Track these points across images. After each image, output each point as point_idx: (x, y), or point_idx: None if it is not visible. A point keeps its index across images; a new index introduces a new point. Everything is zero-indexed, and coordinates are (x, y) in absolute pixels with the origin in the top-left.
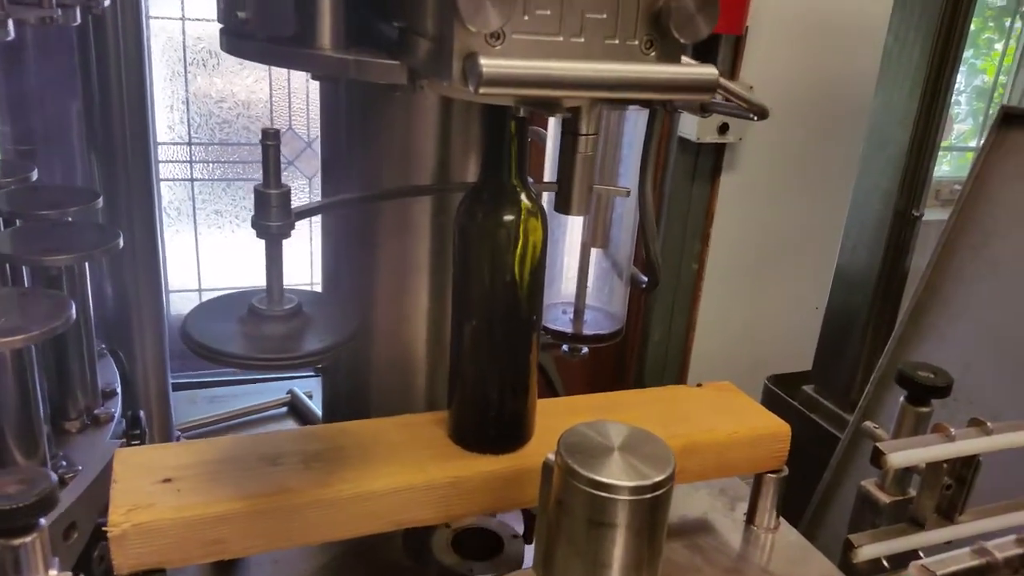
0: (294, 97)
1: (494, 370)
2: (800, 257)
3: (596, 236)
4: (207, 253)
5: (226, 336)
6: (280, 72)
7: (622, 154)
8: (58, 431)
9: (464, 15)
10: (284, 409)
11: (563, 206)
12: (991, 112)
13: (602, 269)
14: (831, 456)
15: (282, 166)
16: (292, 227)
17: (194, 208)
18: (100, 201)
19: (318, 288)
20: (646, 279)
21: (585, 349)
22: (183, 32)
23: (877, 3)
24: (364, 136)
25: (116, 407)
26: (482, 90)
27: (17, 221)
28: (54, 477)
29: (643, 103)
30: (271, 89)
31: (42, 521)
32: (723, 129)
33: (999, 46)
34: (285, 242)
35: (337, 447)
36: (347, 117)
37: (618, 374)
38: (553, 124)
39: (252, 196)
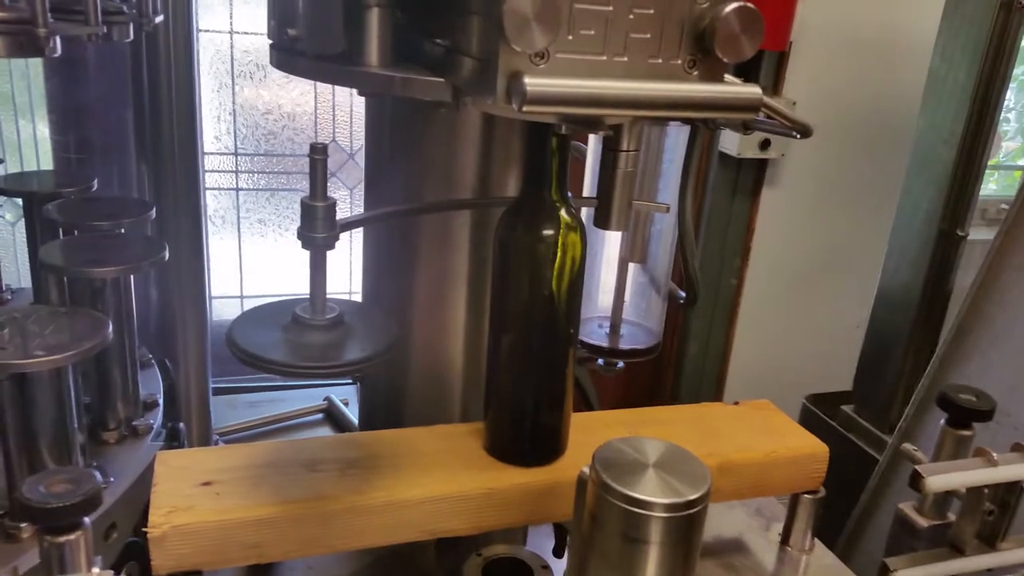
0: (338, 110)
1: (530, 383)
2: (841, 275)
3: (634, 251)
4: (250, 261)
5: (270, 344)
6: (325, 86)
7: (662, 169)
8: (96, 441)
9: (510, 35)
10: (320, 416)
11: (602, 221)
12: None
13: (639, 284)
14: (869, 478)
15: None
16: (336, 239)
17: (238, 217)
18: (153, 213)
19: (356, 297)
20: (684, 295)
21: (621, 364)
22: (231, 45)
23: (923, 20)
24: (407, 150)
25: (156, 418)
26: (526, 108)
27: (74, 231)
28: (99, 478)
29: (685, 121)
30: (316, 102)
31: (86, 520)
32: (764, 145)
33: None
34: (344, 252)
35: (373, 455)
36: (391, 132)
37: (653, 389)
38: (593, 140)
39: (295, 206)
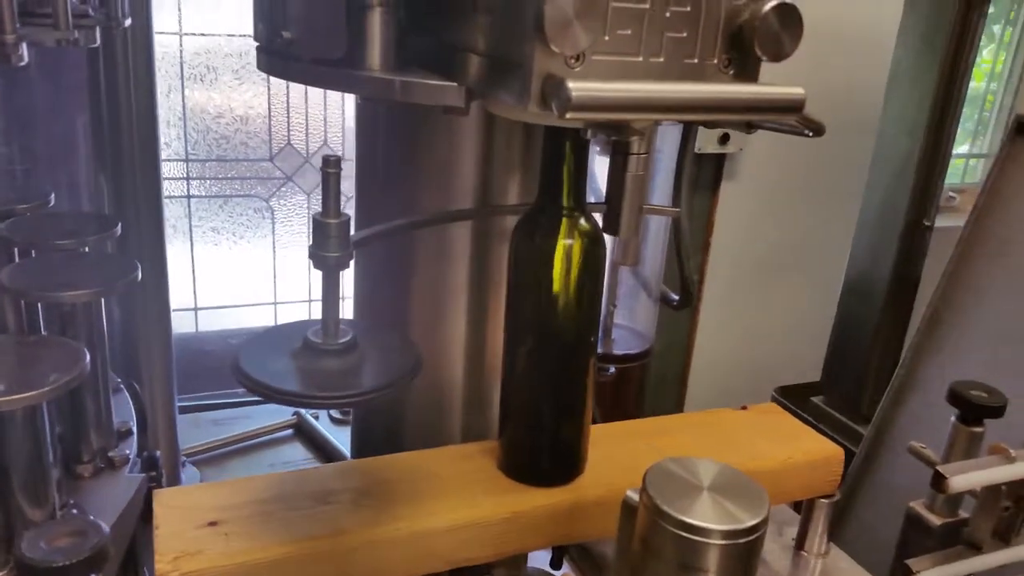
0: (293, 112)
1: (550, 398)
2: (806, 268)
3: (627, 254)
4: (204, 271)
5: (281, 372)
6: (279, 87)
7: (652, 169)
8: (71, 476)
9: (550, 35)
10: (290, 431)
11: (611, 227)
12: (983, 118)
13: (630, 287)
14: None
15: (281, 182)
16: (351, 257)
17: (191, 225)
18: (119, 229)
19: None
20: (677, 297)
21: (612, 369)
22: (180, 47)
23: (887, 11)
24: (403, 158)
25: (131, 448)
26: (569, 115)
27: (33, 251)
28: (106, 529)
29: (726, 124)
30: (270, 104)
31: None
32: (724, 139)
33: (987, 52)
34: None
35: (385, 482)
36: (385, 139)
37: (614, 387)
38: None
39: (250, 213)
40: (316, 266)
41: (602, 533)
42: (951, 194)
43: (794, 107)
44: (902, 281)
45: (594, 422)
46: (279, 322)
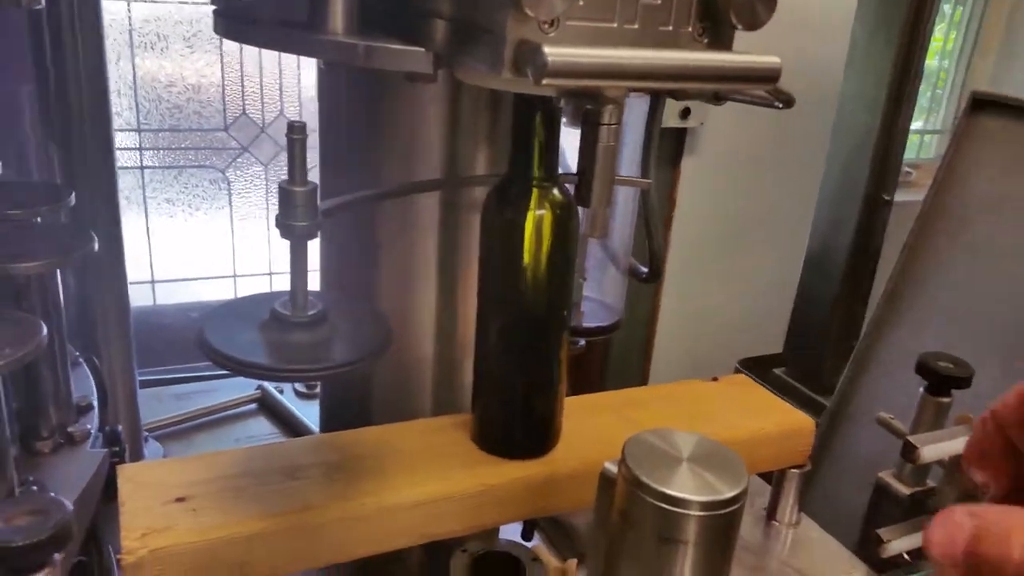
0: (248, 81)
1: (523, 370)
2: (768, 241)
3: (596, 226)
4: (159, 243)
5: (249, 345)
6: (232, 55)
7: (623, 142)
8: (30, 452)
9: (525, 0)
10: (254, 406)
11: (583, 199)
12: (936, 95)
13: (598, 259)
14: None
15: (236, 152)
16: (319, 227)
17: (144, 197)
18: (72, 199)
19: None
20: (646, 270)
21: (582, 342)
22: (129, 13)
23: None
24: (367, 127)
25: (92, 422)
26: (545, 81)
27: None
28: (69, 506)
29: (662, 92)
30: (223, 73)
31: (57, 557)
32: (685, 114)
33: (938, 31)
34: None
35: (356, 457)
36: (348, 108)
37: (581, 359)
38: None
39: (205, 184)
40: (283, 235)
41: (575, 505)
42: (907, 169)
43: (770, 77)
44: (862, 255)
45: None
46: (239, 295)
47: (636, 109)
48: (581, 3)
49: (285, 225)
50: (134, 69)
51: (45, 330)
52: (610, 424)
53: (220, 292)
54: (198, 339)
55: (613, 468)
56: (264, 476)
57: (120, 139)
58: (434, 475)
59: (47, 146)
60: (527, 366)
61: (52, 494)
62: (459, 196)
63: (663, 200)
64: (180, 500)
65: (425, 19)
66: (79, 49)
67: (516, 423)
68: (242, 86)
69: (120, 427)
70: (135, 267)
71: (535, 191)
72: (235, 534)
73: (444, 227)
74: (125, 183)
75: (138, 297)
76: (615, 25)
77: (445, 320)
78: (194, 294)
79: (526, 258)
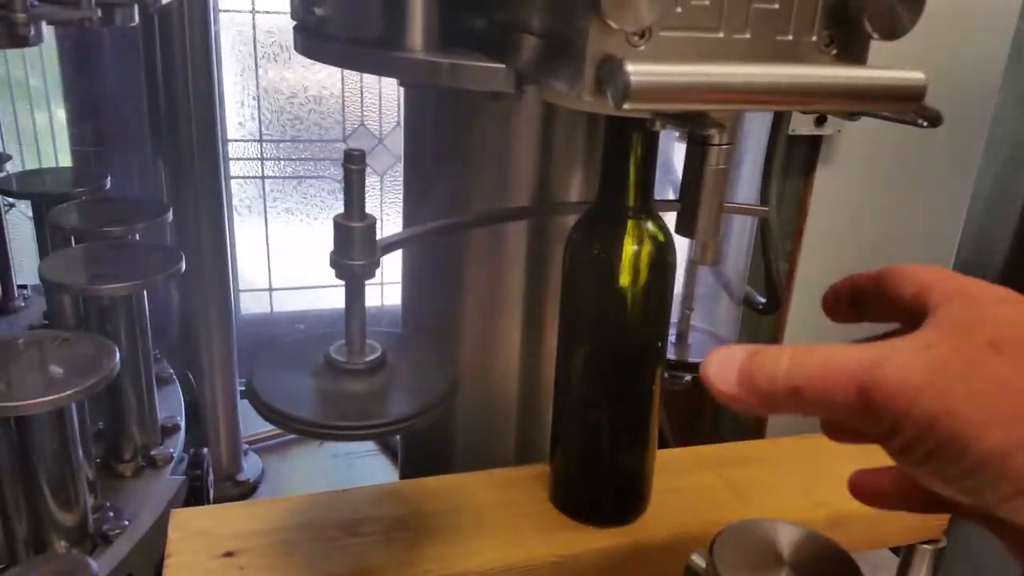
0: (367, 93)
1: (609, 423)
2: (906, 257)
3: (707, 253)
4: (278, 251)
5: (298, 395)
6: None
7: (738, 158)
8: (111, 474)
9: (607, 8)
10: None
11: (686, 229)
12: None
13: (709, 287)
14: None
15: None
16: (377, 265)
17: (265, 206)
18: (170, 215)
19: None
20: (764, 300)
21: (688, 377)
22: (253, 25)
23: None
24: (453, 150)
25: (176, 446)
26: (627, 105)
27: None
28: (95, 567)
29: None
30: (343, 84)
31: None
32: (820, 121)
33: None
34: None
35: (421, 513)
36: (434, 128)
37: (690, 395)
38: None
39: (323, 194)
40: (338, 275)
41: None
42: None
43: (913, 95)
44: (1015, 280)
45: (664, 442)
46: None
47: (759, 117)
48: (679, 10)
49: (340, 264)
50: (257, 80)
51: (118, 356)
52: (709, 487)
53: (334, 300)
54: (247, 385)
55: (700, 562)
56: (321, 530)
57: (242, 149)
58: (503, 541)
59: (155, 161)
60: (614, 419)
61: (126, 521)
62: (550, 225)
63: (791, 215)
64: (228, 555)
65: (509, 33)
66: (188, 65)
67: (599, 483)
68: (361, 97)
69: (205, 450)
70: (255, 274)
71: (628, 223)
72: None
73: (532, 259)
74: (247, 193)
75: (256, 305)
76: (721, 35)
77: (531, 357)
78: (310, 302)
79: (615, 298)
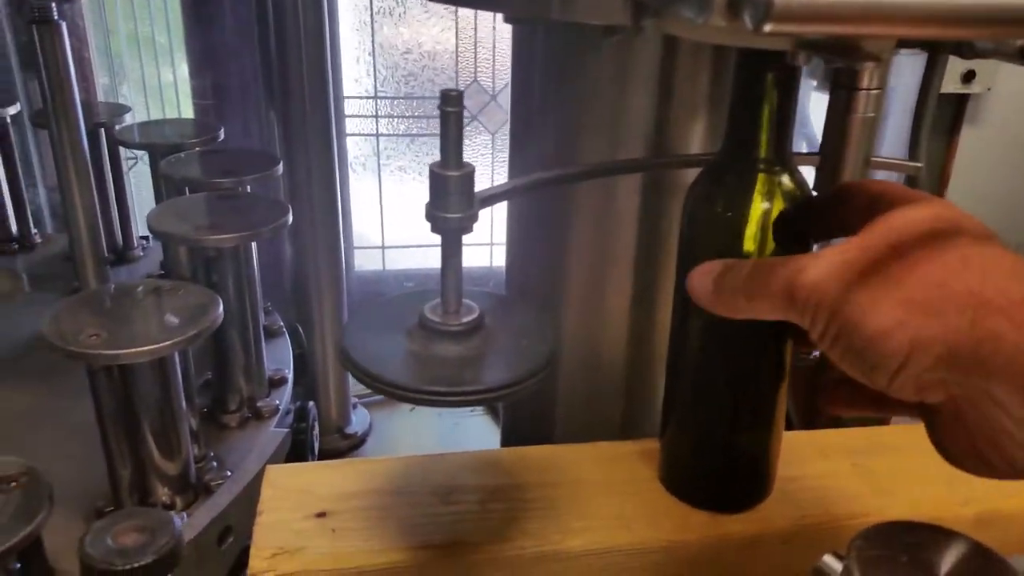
0: (481, 47)
1: (731, 401)
2: None
3: None
4: (390, 209)
5: (389, 355)
6: (467, 21)
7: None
8: (216, 425)
9: None
10: None
11: (827, 184)
12: None
13: None
14: None
15: (465, 120)
16: (475, 219)
17: (379, 164)
18: (280, 168)
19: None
20: None
21: (815, 352)
22: None
23: None
24: (562, 95)
25: (283, 398)
26: (769, 28)
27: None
28: (179, 524)
29: (999, 49)
30: (457, 39)
31: None
32: (968, 77)
33: None
34: None
35: (519, 485)
36: (542, 72)
37: (813, 377)
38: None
39: (436, 152)
40: (433, 229)
41: (786, 574)
42: None
43: None
44: None
45: (787, 424)
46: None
47: (905, 70)
48: None
49: (435, 216)
50: (373, 36)
51: (222, 307)
52: (844, 476)
53: None
54: (339, 345)
55: (836, 566)
56: (415, 496)
57: (357, 106)
58: (606, 521)
59: (267, 115)
60: (735, 395)
61: (228, 472)
62: (665, 179)
63: (933, 178)
64: (320, 515)
65: None
66: (300, 19)
67: (716, 466)
68: (475, 52)
69: (312, 404)
70: (369, 232)
71: (759, 177)
72: (372, 565)
73: (644, 215)
74: (361, 150)
75: (369, 262)
76: None
77: (640, 321)
78: (421, 260)
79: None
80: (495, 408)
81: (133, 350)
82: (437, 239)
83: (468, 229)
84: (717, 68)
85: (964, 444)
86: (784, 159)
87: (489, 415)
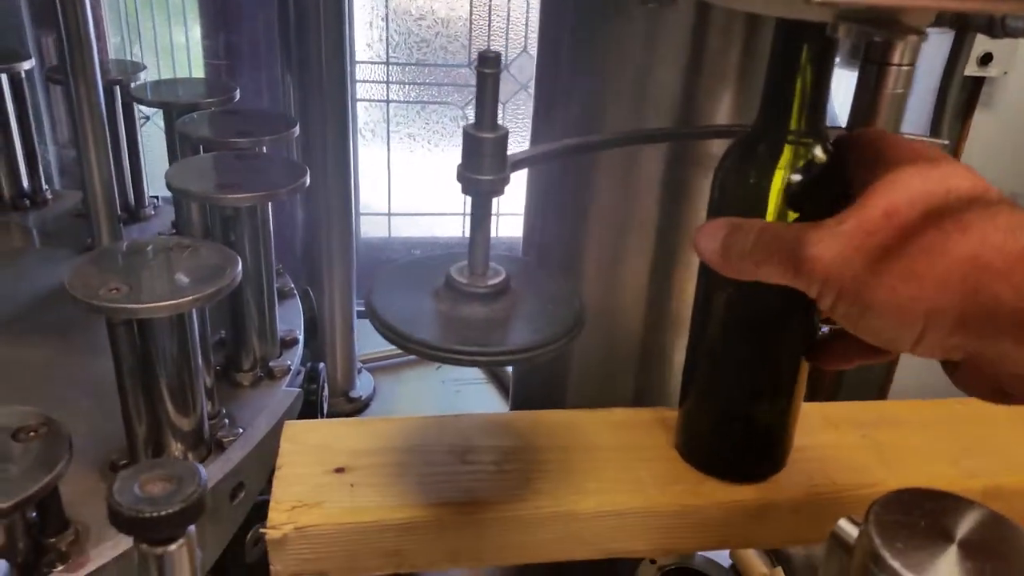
0: (495, 16)
1: (753, 373)
2: None
3: None
4: (398, 177)
5: (417, 315)
6: None
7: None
8: (229, 384)
9: None
10: None
11: None
12: None
13: None
14: None
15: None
16: (506, 182)
17: (388, 131)
18: (296, 130)
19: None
20: None
21: (826, 328)
22: None
23: None
24: (590, 62)
25: (294, 359)
26: None
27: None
28: (204, 474)
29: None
30: (471, 6)
31: (191, 529)
32: (985, 60)
33: None
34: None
35: (534, 447)
36: (571, 36)
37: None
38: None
39: (445, 120)
40: (465, 190)
41: (793, 541)
42: None
43: None
44: None
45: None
46: (466, 233)
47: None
48: None
49: (468, 178)
50: (387, 0)
51: (240, 265)
52: (852, 447)
53: (450, 229)
54: (366, 300)
55: (852, 531)
56: (432, 455)
57: (369, 71)
58: (621, 484)
59: (283, 77)
60: (759, 368)
61: (240, 429)
62: (690, 150)
63: None
64: (339, 471)
65: None
66: None
67: (736, 435)
68: (489, 20)
69: (323, 365)
70: (375, 199)
71: (789, 148)
72: (391, 520)
73: (667, 185)
74: (371, 116)
75: (374, 229)
76: None
77: (658, 292)
78: (426, 229)
79: None
80: (499, 377)
81: (154, 304)
82: (443, 208)
83: (499, 191)
84: (747, 40)
85: (986, 386)
86: (819, 132)
87: (492, 383)
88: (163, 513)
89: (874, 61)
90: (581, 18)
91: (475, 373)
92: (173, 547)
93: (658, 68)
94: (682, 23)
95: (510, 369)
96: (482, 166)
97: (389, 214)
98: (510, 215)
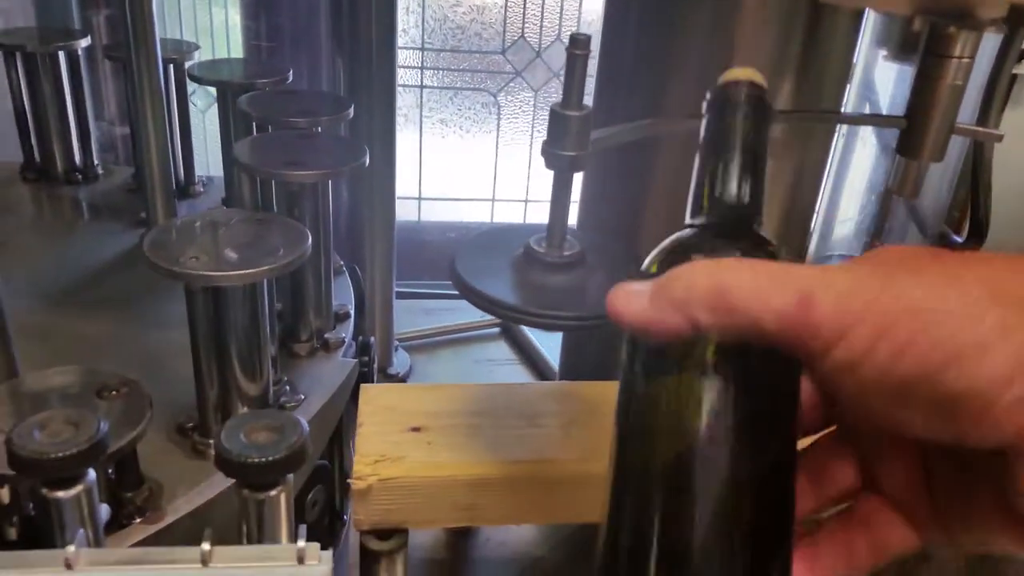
0: (531, 2)
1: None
2: None
3: (907, 183)
4: (430, 162)
5: (498, 282)
6: None
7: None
8: (288, 354)
9: None
10: (497, 330)
11: (911, 149)
12: None
13: (900, 223)
14: None
15: (510, 77)
16: (588, 160)
17: (421, 116)
18: (351, 111)
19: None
20: (960, 238)
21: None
22: None
23: None
24: (656, 52)
25: (348, 331)
26: None
27: (268, 126)
28: (305, 427)
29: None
30: None
31: (290, 476)
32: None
33: None
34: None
35: (598, 412)
36: (637, 25)
37: None
38: None
39: (477, 107)
40: (548, 165)
41: None
42: None
43: None
44: None
45: None
46: (495, 219)
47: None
48: None
49: (552, 154)
50: None
51: (310, 239)
52: None
53: (479, 214)
54: (451, 266)
55: None
56: (501, 418)
57: (404, 57)
58: None
59: (335, 59)
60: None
61: (302, 396)
62: None
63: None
64: (416, 430)
65: None
66: None
67: None
68: (524, 8)
69: (373, 339)
70: (406, 183)
71: None
72: (468, 475)
73: None
74: (404, 101)
75: (405, 212)
76: None
77: None
78: (455, 214)
79: None
80: (535, 362)
81: (232, 272)
82: (473, 194)
83: (581, 167)
84: (810, 32)
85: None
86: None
87: (525, 364)
88: (269, 459)
89: (935, 53)
90: (649, 8)
91: (508, 353)
92: (274, 492)
93: (723, 54)
94: (750, 13)
95: (547, 354)
96: (566, 142)
97: (420, 198)
98: (535, 202)
